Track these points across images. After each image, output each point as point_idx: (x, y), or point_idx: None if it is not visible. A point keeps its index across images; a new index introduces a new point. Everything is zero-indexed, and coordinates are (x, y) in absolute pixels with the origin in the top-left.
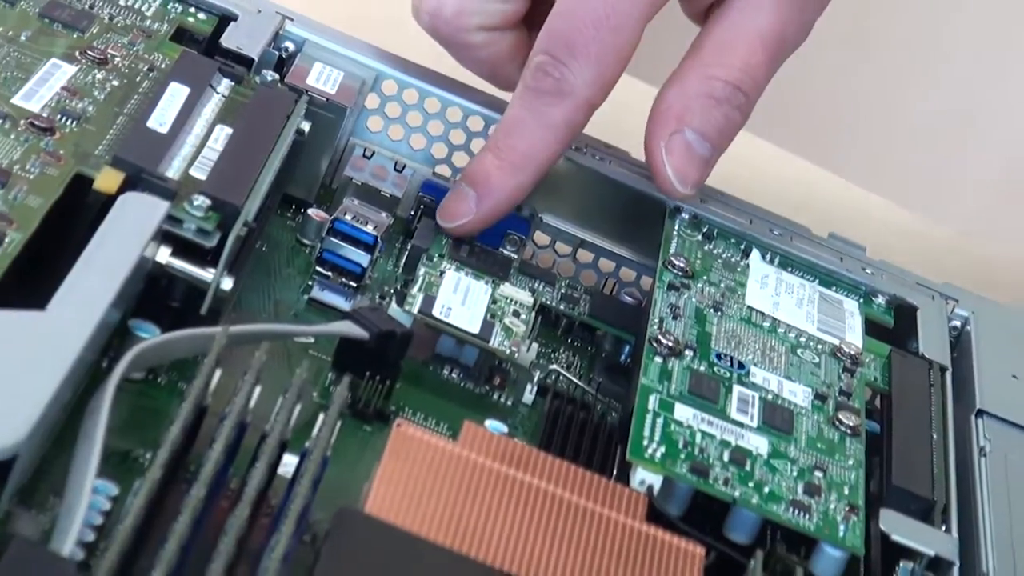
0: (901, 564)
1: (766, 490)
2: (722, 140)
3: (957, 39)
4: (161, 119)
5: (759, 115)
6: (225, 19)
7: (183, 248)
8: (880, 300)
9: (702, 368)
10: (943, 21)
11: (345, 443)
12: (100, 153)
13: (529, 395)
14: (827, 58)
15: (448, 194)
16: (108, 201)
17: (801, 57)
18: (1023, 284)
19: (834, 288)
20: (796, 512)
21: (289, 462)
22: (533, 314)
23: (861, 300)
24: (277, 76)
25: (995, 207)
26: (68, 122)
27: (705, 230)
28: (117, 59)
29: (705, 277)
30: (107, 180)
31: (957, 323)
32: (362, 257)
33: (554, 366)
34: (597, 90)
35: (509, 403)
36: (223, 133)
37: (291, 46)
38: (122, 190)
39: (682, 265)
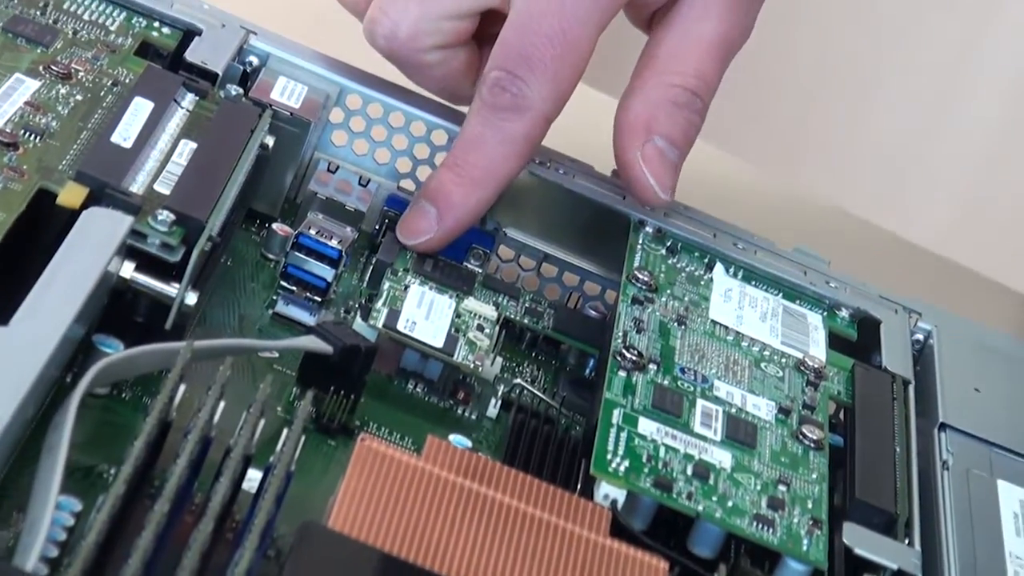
0: None
1: (730, 504)
2: (687, 144)
3: (921, 55)
4: (125, 134)
5: (727, 130)
6: (189, 33)
7: (147, 263)
8: (844, 313)
9: (666, 382)
10: (908, 38)
11: (309, 458)
12: (64, 168)
13: (493, 409)
14: (796, 74)
15: (408, 210)
16: (72, 216)
17: (772, 74)
18: (985, 297)
19: (798, 302)
20: (760, 526)
21: (253, 477)
22: (497, 328)
23: (825, 314)
24: (241, 90)
25: (961, 221)
26: (32, 137)
27: (669, 244)
28: (81, 74)
29: (669, 291)
30: (71, 195)
31: (920, 336)
32: (326, 272)
33: (518, 380)
34: (554, 104)
35: (473, 417)
36: (187, 148)
37: (255, 60)
38: (86, 205)
39: (646, 279)
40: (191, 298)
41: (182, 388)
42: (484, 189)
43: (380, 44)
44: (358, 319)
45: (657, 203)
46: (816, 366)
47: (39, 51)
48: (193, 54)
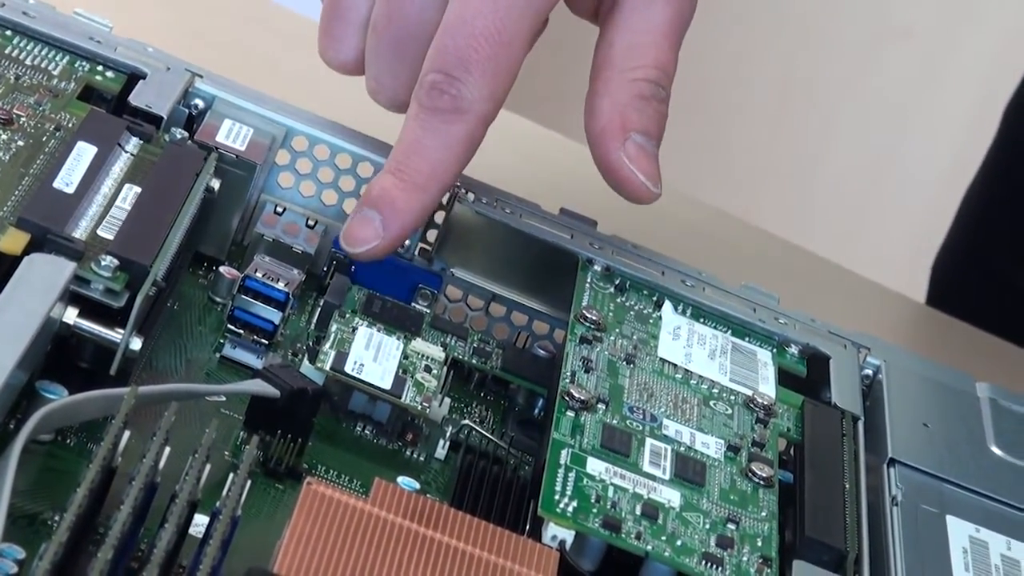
0: None
1: (679, 543)
2: (660, 133)
3: (874, 93)
4: (68, 179)
5: (679, 169)
6: (134, 77)
7: (91, 309)
8: (793, 350)
9: (615, 421)
10: (862, 76)
11: (257, 502)
12: (5, 214)
13: (441, 450)
14: (745, 111)
15: (351, 219)
16: (13, 263)
17: (721, 111)
18: (935, 331)
19: (747, 338)
20: (709, 565)
21: (200, 522)
22: (445, 369)
23: (774, 350)
24: (186, 134)
25: (910, 258)
26: None
27: (617, 282)
28: (23, 119)
29: (617, 329)
30: (12, 241)
31: (869, 371)
32: (273, 314)
33: (466, 421)
34: (492, 104)
35: (422, 459)
36: (131, 192)
37: (201, 103)
38: (27, 251)
39: (594, 318)
40: (136, 343)
41: (127, 434)
42: (428, 193)
43: (391, 109)
44: (305, 362)
45: (650, 198)
46: (765, 403)
47: None
48: (137, 98)
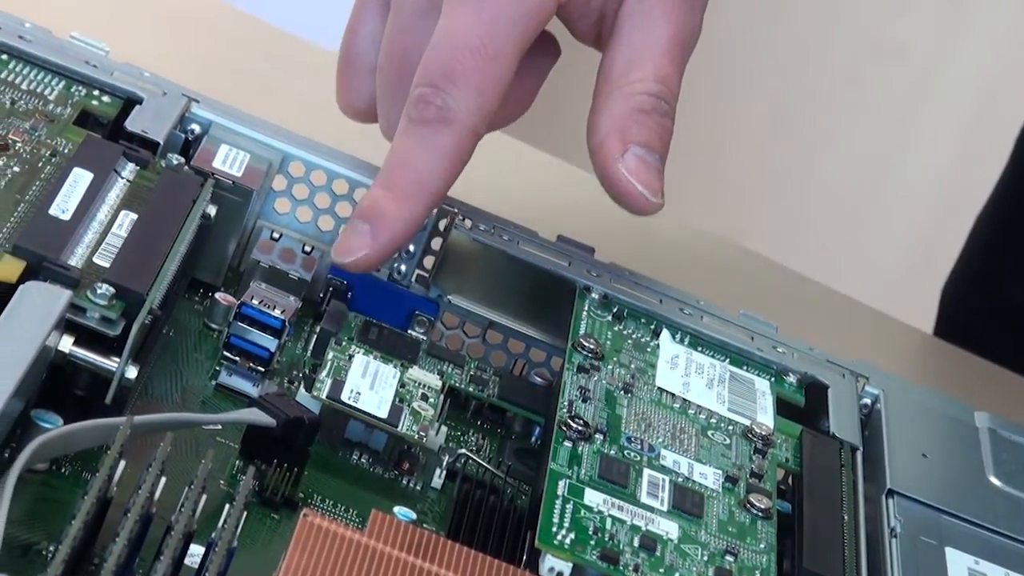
0: None
1: (677, 575)
2: (664, 147)
3: (864, 116)
4: (64, 206)
5: (677, 195)
6: (130, 102)
7: (87, 337)
8: (791, 379)
9: (612, 452)
10: (853, 102)
11: (252, 532)
12: (0, 241)
13: (438, 480)
14: (742, 139)
15: (342, 232)
16: (8, 291)
17: (718, 137)
18: (936, 359)
19: (745, 367)
20: None
21: (195, 552)
22: (442, 397)
23: (772, 379)
24: (183, 159)
25: (903, 282)
26: None
27: (615, 310)
28: (19, 145)
29: (615, 358)
30: (7, 269)
31: (868, 401)
32: (269, 342)
33: (463, 450)
34: (479, 117)
35: (418, 488)
36: (128, 219)
37: (197, 128)
38: (23, 279)
39: (592, 346)
40: (131, 372)
41: (122, 464)
42: (416, 203)
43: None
44: (302, 390)
45: (651, 209)
46: (764, 433)
47: None
48: (134, 123)
